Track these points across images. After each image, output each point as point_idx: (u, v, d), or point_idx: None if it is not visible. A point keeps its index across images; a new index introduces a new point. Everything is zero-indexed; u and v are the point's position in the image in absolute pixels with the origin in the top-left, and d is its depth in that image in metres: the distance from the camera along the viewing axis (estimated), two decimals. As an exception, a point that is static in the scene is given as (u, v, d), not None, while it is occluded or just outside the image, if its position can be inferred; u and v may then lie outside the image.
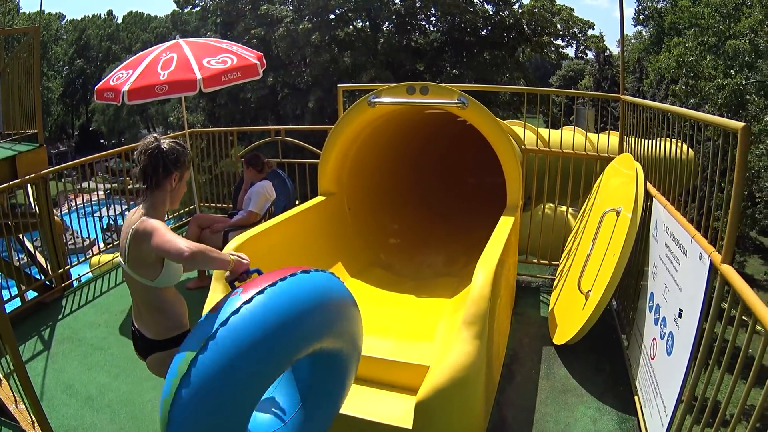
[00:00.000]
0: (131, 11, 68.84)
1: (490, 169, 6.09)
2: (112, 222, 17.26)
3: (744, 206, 20.33)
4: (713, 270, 3.26)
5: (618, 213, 4.96)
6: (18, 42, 7.49)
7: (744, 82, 19.55)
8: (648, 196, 5.01)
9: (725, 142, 3.44)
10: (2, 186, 6.21)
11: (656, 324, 4.19)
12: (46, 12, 60.41)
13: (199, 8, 32.12)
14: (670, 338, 3.79)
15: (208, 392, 2.50)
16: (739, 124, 3.14)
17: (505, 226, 4.90)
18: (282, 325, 2.62)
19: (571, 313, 5.27)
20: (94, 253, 8.94)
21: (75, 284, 7.34)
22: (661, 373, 3.91)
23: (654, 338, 4.18)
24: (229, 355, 2.52)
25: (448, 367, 3.44)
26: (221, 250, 4.16)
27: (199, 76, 6.04)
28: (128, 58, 6.99)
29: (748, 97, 19.61)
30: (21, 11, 52.50)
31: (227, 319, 2.58)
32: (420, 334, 4.69)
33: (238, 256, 3.03)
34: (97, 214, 9.79)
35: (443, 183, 9.38)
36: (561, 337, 5.23)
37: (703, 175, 4.04)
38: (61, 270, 7.06)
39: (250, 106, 29.42)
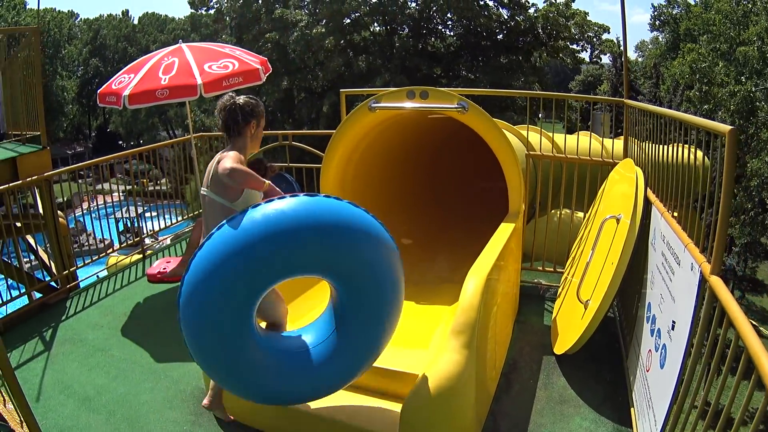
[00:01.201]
0: (147, 12, 69.15)
1: (498, 174, 6.05)
2: (128, 224, 17.45)
3: (755, 213, 20.16)
4: (703, 281, 3.19)
5: (618, 220, 4.89)
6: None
7: (754, 89, 19.40)
8: (648, 203, 4.92)
9: (714, 146, 3.39)
10: (1, 188, 6.24)
11: (652, 335, 4.11)
12: (57, 10, 60.27)
13: (214, 10, 32.21)
14: (663, 350, 3.72)
15: (203, 272, 3.02)
16: (726, 127, 3.06)
17: (503, 233, 4.87)
18: (284, 223, 3.00)
19: (571, 322, 5.20)
20: (109, 254, 8.97)
21: (81, 285, 7.37)
22: (655, 386, 3.83)
23: (649, 349, 4.10)
24: (220, 244, 3.01)
25: (435, 376, 3.43)
26: None
27: (199, 81, 6.02)
28: (126, 66, 6.99)
29: (758, 103, 19.46)
30: (27, 6, 52.09)
31: (234, 217, 3.08)
32: (416, 341, 4.66)
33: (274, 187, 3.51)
34: (113, 215, 9.83)
35: (452, 188, 9.31)
36: (561, 346, 5.16)
37: (702, 182, 3.97)
38: (66, 272, 7.08)
39: (267, 110, 29.48)
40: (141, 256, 8.26)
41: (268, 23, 28.43)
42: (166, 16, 68.59)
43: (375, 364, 4.02)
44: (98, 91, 6.53)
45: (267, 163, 6.77)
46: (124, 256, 9.26)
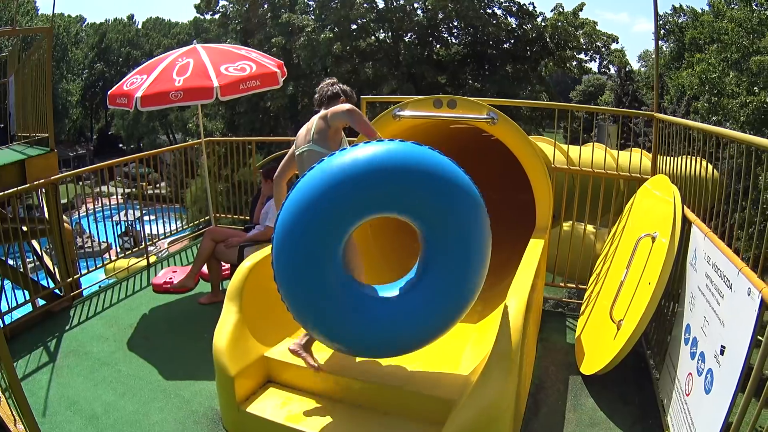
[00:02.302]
0: (150, 17, 69.25)
1: (513, 186, 5.84)
2: (129, 226, 17.29)
3: (763, 226, 19.87)
4: (765, 307, 3.01)
5: (653, 238, 4.70)
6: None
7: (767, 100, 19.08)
8: (685, 221, 4.74)
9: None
10: (9, 191, 6.01)
11: (693, 358, 3.92)
12: (66, 14, 60.76)
13: (219, 14, 32.05)
14: (709, 375, 3.53)
15: (293, 210, 3.21)
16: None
17: (535, 249, 4.70)
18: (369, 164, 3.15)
19: (601, 342, 5.01)
20: (112, 258, 8.76)
21: (85, 293, 7.14)
22: (698, 411, 3.64)
23: (690, 373, 3.91)
24: (307, 183, 3.21)
25: (477, 404, 3.25)
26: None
27: (216, 83, 5.80)
28: (137, 67, 6.78)
29: (768, 114, 19.20)
30: (39, 12, 52.72)
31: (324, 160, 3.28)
32: (444, 362, 4.46)
33: None
34: (114, 218, 9.68)
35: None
36: (590, 367, 4.95)
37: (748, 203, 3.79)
38: (70, 279, 6.86)
39: (270, 115, 29.31)
40: (140, 261, 8.00)
41: (273, 28, 28.32)
42: (170, 20, 68.62)
43: (404, 387, 3.81)
44: (108, 93, 6.31)
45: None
46: (124, 261, 9.04)
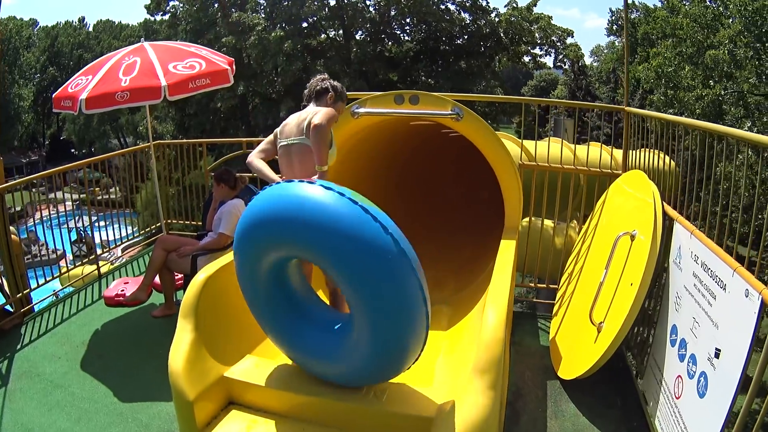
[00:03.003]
0: (101, 19, 67.90)
1: (475, 182, 5.60)
2: (82, 233, 16.71)
3: (722, 216, 20.24)
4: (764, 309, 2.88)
5: (633, 237, 4.58)
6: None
7: (723, 93, 19.50)
8: (665, 219, 4.62)
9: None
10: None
11: (682, 360, 3.82)
12: (18, 17, 59.55)
13: (170, 15, 31.36)
14: (702, 379, 3.44)
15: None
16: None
17: (508, 251, 4.46)
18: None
19: (580, 345, 4.86)
20: (68, 266, 8.33)
21: (37, 307, 6.74)
22: (691, 415, 3.55)
23: (679, 375, 3.82)
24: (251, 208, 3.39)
25: (460, 422, 3.00)
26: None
27: (163, 82, 5.43)
28: (83, 67, 6.33)
29: (725, 107, 19.63)
30: (-9, 14, 51.61)
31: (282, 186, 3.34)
32: (417, 376, 4.19)
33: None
34: (67, 225, 9.28)
35: (428, 197, 8.83)
36: (569, 371, 4.80)
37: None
38: (20, 294, 6.43)
39: (221, 116, 28.76)
40: (95, 269, 7.59)
41: (224, 27, 27.81)
42: (120, 23, 67.18)
43: (373, 407, 3.54)
44: (53, 96, 5.91)
45: (236, 173, 6.22)
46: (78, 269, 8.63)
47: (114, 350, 5.67)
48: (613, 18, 39.49)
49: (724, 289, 3.35)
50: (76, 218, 9.61)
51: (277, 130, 4.42)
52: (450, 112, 4.78)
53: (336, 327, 3.54)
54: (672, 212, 4.58)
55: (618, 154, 7.02)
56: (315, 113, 4.08)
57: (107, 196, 9.34)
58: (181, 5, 30.32)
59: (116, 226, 8.56)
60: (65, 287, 7.78)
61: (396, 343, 3.24)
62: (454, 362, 4.19)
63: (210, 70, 5.86)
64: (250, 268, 3.44)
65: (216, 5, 29.25)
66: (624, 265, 4.57)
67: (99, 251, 8.15)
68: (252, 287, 3.52)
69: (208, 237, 6.00)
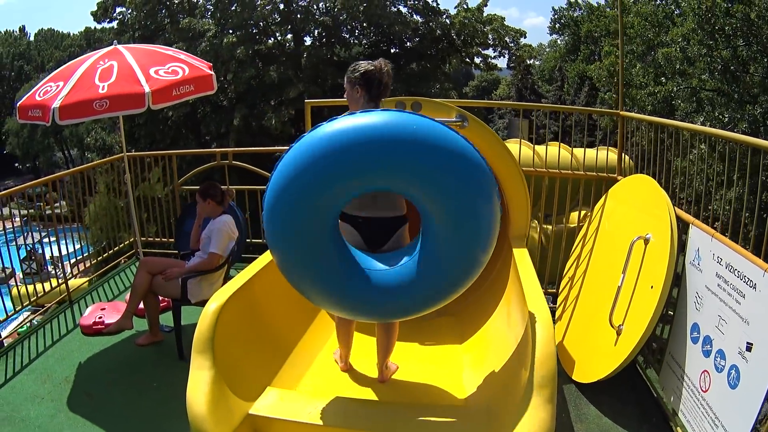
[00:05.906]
0: (42, 28, 66.26)
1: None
2: (31, 249, 15.98)
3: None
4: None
5: (646, 241, 4.63)
6: None
7: (675, 89, 19.99)
8: (679, 222, 4.64)
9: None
10: None
11: (707, 356, 4.02)
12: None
13: (116, 22, 30.37)
14: (733, 371, 3.69)
15: (283, 180, 2.99)
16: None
17: (525, 261, 4.49)
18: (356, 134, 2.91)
19: (597, 349, 4.87)
20: (17, 284, 7.83)
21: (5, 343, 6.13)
22: (722, 406, 3.76)
23: (705, 370, 4.01)
24: (297, 150, 2.98)
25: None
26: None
27: (147, 89, 4.92)
28: (50, 73, 5.74)
29: (675, 102, 20.16)
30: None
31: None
32: (447, 396, 4.06)
33: None
34: (14, 242, 8.75)
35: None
36: (587, 375, 4.84)
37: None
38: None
39: (170, 126, 27.87)
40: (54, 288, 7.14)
41: (173, 33, 27.08)
42: (62, 32, 65.58)
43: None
44: (17, 105, 5.35)
45: (220, 186, 5.77)
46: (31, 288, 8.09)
47: (102, 387, 5.07)
48: (556, 17, 40.07)
49: (754, 288, 3.57)
50: (25, 234, 9.10)
51: None
52: (455, 119, 4.73)
53: (398, 258, 3.39)
54: (685, 216, 4.68)
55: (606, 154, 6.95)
56: None
57: (57, 211, 8.79)
58: (129, 12, 29.37)
59: (66, 241, 8.09)
60: (20, 309, 7.22)
61: (474, 257, 3.20)
62: (482, 375, 4.08)
63: (194, 76, 5.41)
64: (302, 214, 3.04)
65: (164, 11, 28.48)
66: (639, 269, 4.62)
67: (49, 268, 7.67)
68: (300, 240, 3.11)
69: (196, 257, 5.54)
